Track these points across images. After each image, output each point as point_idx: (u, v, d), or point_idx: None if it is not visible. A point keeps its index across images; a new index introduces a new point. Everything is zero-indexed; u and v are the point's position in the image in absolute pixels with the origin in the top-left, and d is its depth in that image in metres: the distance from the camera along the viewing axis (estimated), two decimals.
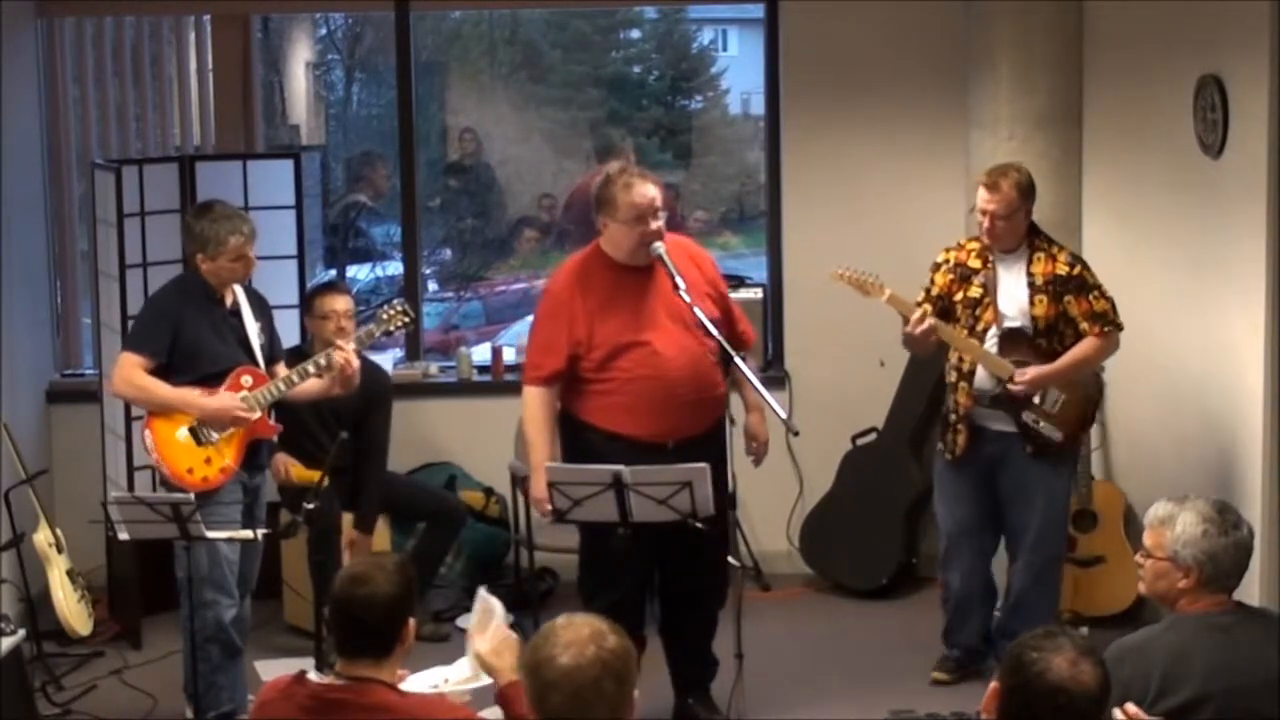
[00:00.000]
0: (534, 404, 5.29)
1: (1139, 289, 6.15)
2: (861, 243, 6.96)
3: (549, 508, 5.09)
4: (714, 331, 5.12)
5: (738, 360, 5.12)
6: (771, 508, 6.98)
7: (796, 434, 5.39)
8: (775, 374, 7.07)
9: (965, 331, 5.59)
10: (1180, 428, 5.93)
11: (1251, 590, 4.91)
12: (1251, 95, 5.23)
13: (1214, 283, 5.62)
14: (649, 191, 5.17)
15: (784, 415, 5.19)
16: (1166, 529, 3.69)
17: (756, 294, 7.14)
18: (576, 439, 5.33)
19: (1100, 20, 6.45)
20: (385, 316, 5.58)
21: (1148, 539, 3.75)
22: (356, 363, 5.43)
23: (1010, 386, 5.50)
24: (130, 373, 5.30)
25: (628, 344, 5.19)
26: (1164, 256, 6.07)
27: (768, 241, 7.39)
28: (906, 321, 5.52)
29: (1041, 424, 5.55)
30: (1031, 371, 5.48)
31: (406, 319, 5.58)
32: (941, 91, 6.91)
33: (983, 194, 5.55)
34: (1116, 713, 3.30)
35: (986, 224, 5.55)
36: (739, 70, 11.40)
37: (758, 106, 8.60)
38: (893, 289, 5.58)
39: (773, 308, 7.20)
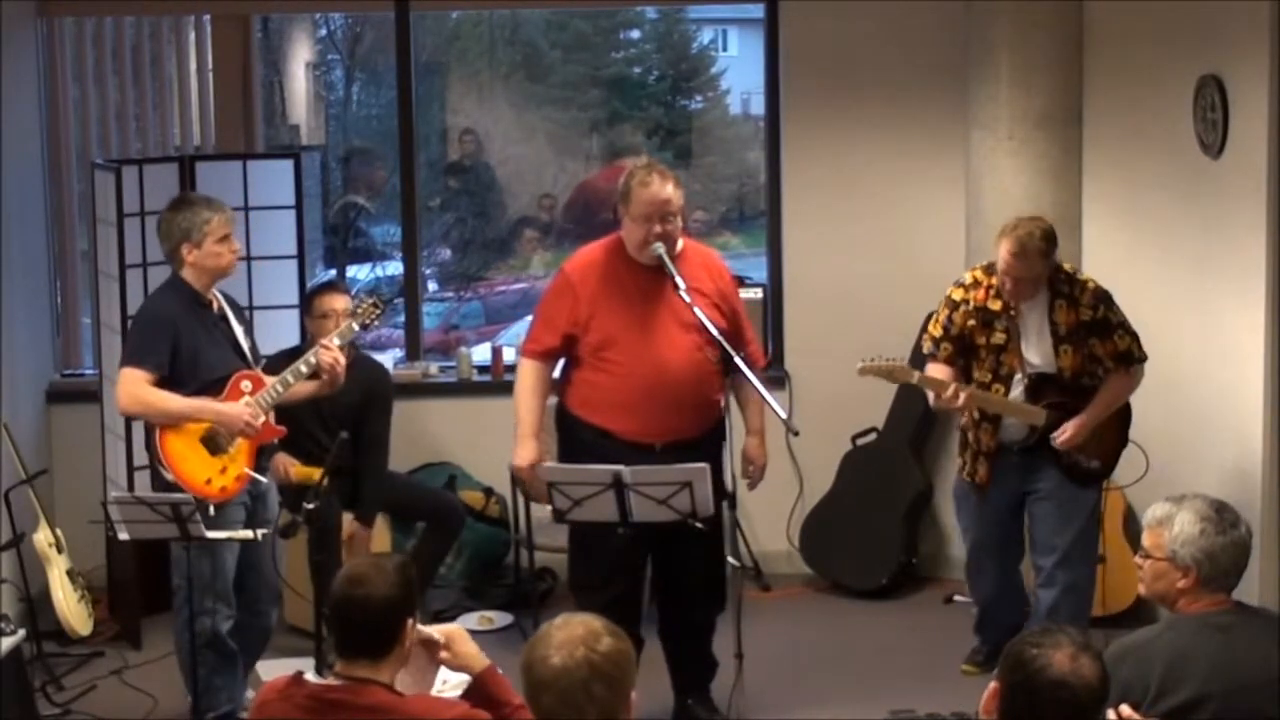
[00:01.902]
0: (526, 376, 5.32)
1: (1139, 289, 6.14)
2: (861, 243, 6.97)
3: (529, 471, 5.16)
4: (713, 331, 5.11)
5: (738, 360, 5.12)
6: (771, 508, 6.97)
7: (796, 434, 5.38)
8: (775, 374, 7.06)
9: (989, 374, 5.49)
10: (1180, 428, 5.93)
11: (1251, 590, 4.90)
12: (1251, 95, 5.23)
13: (1214, 283, 5.62)
14: (663, 193, 5.15)
15: (784, 415, 5.19)
16: (1164, 529, 3.69)
17: (756, 294, 7.13)
18: (568, 434, 5.35)
19: (1100, 20, 6.45)
20: (359, 310, 5.60)
21: (1146, 539, 3.75)
22: (343, 361, 5.43)
23: (1054, 443, 5.43)
24: (136, 388, 5.20)
25: (625, 337, 5.20)
26: (1164, 256, 6.07)
27: (768, 241, 7.38)
28: (934, 394, 5.43)
29: (1079, 460, 5.53)
30: (1070, 429, 5.41)
31: (377, 311, 5.59)
32: (941, 91, 6.90)
33: (1008, 260, 5.35)
34: (1111, 715, 3.30)
35: (1009, 286, 5.39)
36: (739, 70, 11.39)
37: (758, 106, 8.60)
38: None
39: (773, 308, 7.19)
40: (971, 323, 5.51)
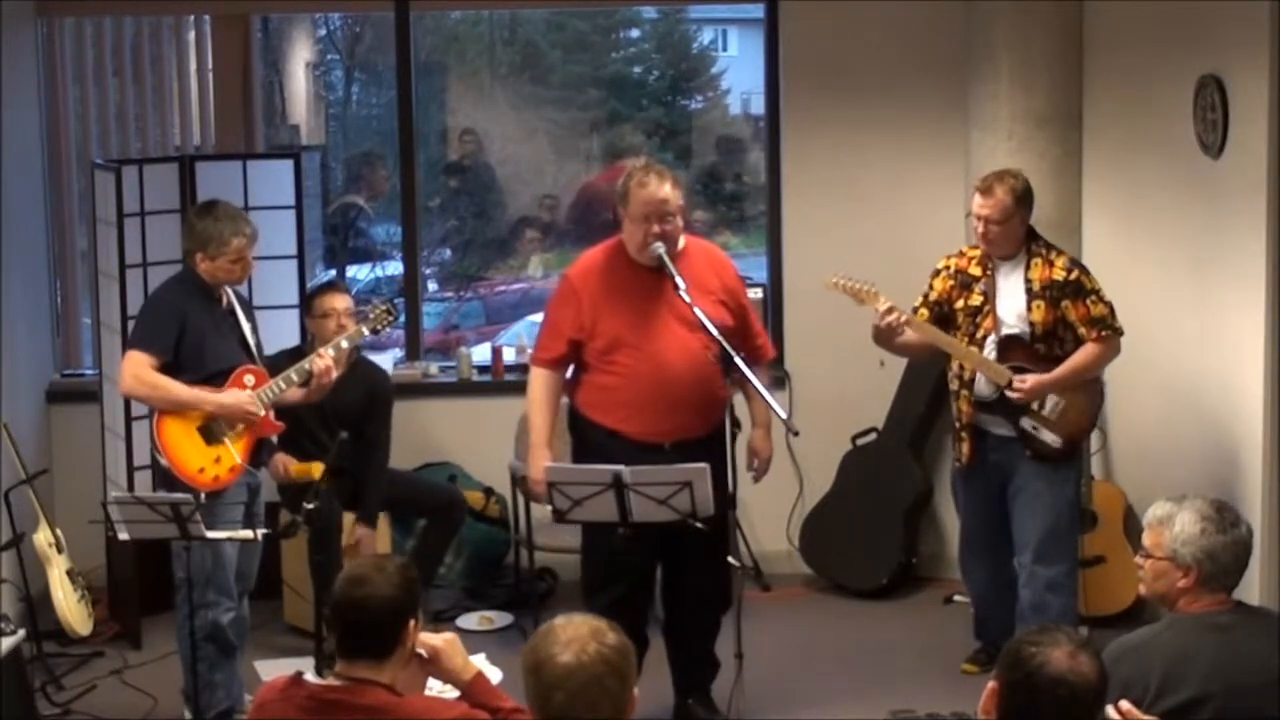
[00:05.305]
0: (536, 385, 5.35)
1: (1139, 289, 6.14)
2: (861, 243, 6.96)
3: (545, 489, 5.13)
4: (714, 331, 5.12)
5: (738, 361, 5.12)
6: (771, 508, 6.97)
7: (796, 434, 5.39)
8: (775, 374, 7.06)
9: (965, 339, 5.57)
10: (1180, 428, 5.93)
11: (1251, 590, 4.91)
12: (1251, 95, 5.24)
13: (1214, 283, 5.62)
14: (660, 192, 5.16)
15: (784, 415, 5.19)
16: (1165, 528, 3.69)
17: (756, 294, 7.12)
18: (580, 435, 5.36)
19: (1100, 20, 6.45)
20: (372, 315, 5.62)
21: (1146, 539, 3.75)
22: (334, 374, 5.45)
23: (1008, 393, 5.48)
24: (140, 370, 5.25)
25: (629, 339, 5.21)
26: (1164, 256, 6.07)
27: (768, 241, 7.39)
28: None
29: (1041, 430, 5.53)
30: (1031, 379, 5.46)
31: (391, 318, 5.61)
32: (941, 91, 6.91)
33: (977, 199, 5.54)
34: (1110, 711, 3.29)
35: (981, 229, 5.53)
36: (739, 70, 11.37)
37: (758, 106, 8.60)
38: (888, 297, 5.55)
39: (773, 308, 7.20)
40: (950, 284, 5.63)
